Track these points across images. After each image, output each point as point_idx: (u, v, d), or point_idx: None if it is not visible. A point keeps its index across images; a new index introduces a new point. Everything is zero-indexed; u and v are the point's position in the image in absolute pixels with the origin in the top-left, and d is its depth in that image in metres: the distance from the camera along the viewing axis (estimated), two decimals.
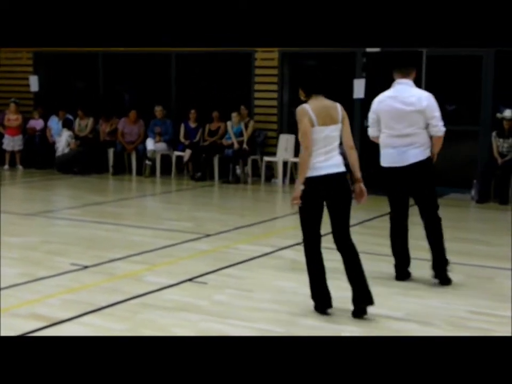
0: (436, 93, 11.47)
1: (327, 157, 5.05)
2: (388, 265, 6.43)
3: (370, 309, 5.22)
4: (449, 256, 6.13)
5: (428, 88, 11.34)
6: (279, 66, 12.57)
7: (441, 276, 6.02)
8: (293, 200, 5.05)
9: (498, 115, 10.62)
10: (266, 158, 12.42)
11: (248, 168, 12.39)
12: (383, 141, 6.05)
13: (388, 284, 6.01)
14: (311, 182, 5.05)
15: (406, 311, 5.29)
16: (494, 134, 10.65)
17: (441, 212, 9.70)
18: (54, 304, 5.38)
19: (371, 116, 6.10)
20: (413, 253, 6.30)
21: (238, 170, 12.38)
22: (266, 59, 12.66)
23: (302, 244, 5.27)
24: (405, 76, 6.00)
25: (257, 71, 12.75)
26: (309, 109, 5.04)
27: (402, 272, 6.16)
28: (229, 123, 12.56)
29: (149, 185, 12.40)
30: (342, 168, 5.12)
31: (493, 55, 10.90)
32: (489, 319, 5.12)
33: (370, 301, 5.13)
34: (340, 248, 5.24)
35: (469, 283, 6.14)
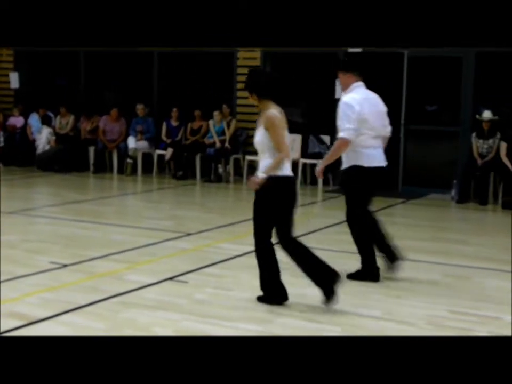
0: (417, 93, 11.63)
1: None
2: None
3: (349, 308, 5.25)
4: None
5: (408, 89, 11.49)
6: (262, 65, 12.58)
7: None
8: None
9: (478, 116, 10.71)
10: (248, 157, 12.42)
11: (230, 167, 12.40)
12: (365, 142, 5.96)
13: (367, 284, 6.04)
14: (288, 181, 5.27)
15: (385, 311, 5.31)
16: (474, 134, 10.74)
17: (421, 212, 9.77)
18: (33, 302, 5.35)
19: (354, 118, 5.82)
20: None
21: (220, 169, 12.37)
22: (249, 58, 12.67)
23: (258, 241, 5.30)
24: (359, 78, 6.07)
25: (240, 70, 12.75)
26: (279, 116, 5.16)
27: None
28: (211, 122, 12.55)
29: (130, 184, 12.36)
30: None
31: (473, 56, 10.99)
32: (468, 319, 5.16)
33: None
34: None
35: (448, 282, 6.19)
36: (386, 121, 6.19)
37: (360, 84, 6.04)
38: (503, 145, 10.41)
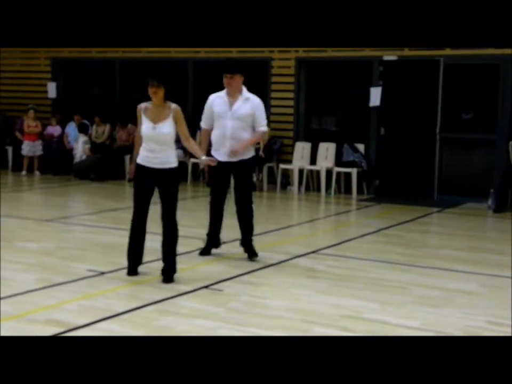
0: (453, 101, 11.51)
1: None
2: (402, 274, 6.43)
3: (387, 318, 5.22)
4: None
5: (444, 97, 11.39)
6: (296, 74, 12.59)
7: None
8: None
9: None
10: (282, 166, 12.43)
11: (264, 176, 12.41)
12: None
13: (403, 293, 6.00)
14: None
15: (421, 321, 5.27)
16: (511, 143, 10.60)
17: (458, 221, 9.64)
18: (71, 309, 5.42)
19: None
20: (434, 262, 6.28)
21: (254, 178, 12.40)
22: (283, 67, 12.69)
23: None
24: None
25: (274, 79, 12.79)
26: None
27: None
28: None
29: None
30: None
31: (510, 63, 10.86)
32: (507, 330, 5.09)
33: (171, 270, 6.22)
34: None
35: (485, 293, 6.11)
36: None
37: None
38: None
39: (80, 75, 15.09)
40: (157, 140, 6.19)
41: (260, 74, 13.03)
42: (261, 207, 11.44)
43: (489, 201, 10.65)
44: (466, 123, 11.70)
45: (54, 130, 14.36)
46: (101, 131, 13.86)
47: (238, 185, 7.17)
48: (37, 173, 13.98)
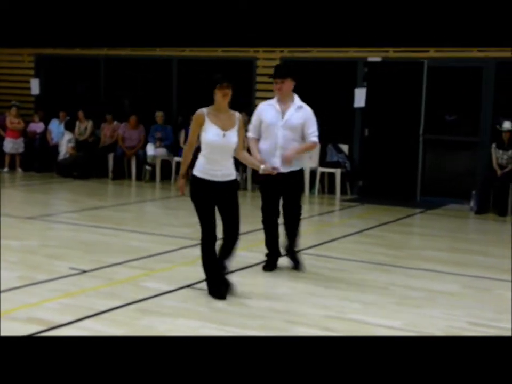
0: (436, 103, 11.59)
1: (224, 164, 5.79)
2: (385, 274, 6.46)
3: (369, 318, 5.24)
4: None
5: (428, 99, 11.45)
6: None
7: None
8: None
9: (498, 127, 10.65)
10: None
11: (248, 175, 12.41)
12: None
13: (386, 293, 6.02)
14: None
15: (403, 321, 5.29)
16: (493, 145, 10.68)
17: (440, 223, 9.74)
18: (52, 308, 5.38)
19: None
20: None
21: (238, 177, 12.37)
22: (268, 66, 12.68)
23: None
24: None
25: (259, 79, 12.79)
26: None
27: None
28: None
29: (148, 191, 12.41)
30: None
31: (493, 66, 10.94)
32: (488, 331, 5.12)
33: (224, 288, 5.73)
34: None
35: (467, 294, 6.15)
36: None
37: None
38: None
39: (63, 72, 15.00)
40: (224, 149, 5.59)
41: (244, 74, 13.04)
42: (245, 206, 11.41)
43: (471, 203, 10.72)
44: (449, 125, 11.78)
45: (37, 127, 14.27)
46: (83, 127, 13.79)
47: (288, 197, 6.71)
48: (19, 170, 13.88)
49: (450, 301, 5.87)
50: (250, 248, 7.53)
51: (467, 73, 11.40)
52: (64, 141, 13.69)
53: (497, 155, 10.62)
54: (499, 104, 11.08)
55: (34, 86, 14.76)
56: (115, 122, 13.63)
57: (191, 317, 5.25)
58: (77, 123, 13.85)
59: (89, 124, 13.78)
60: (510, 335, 5.03)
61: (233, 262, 6.94)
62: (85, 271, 6.43)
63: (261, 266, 6.83)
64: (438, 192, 11.51)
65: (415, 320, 5.33)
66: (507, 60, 10.73)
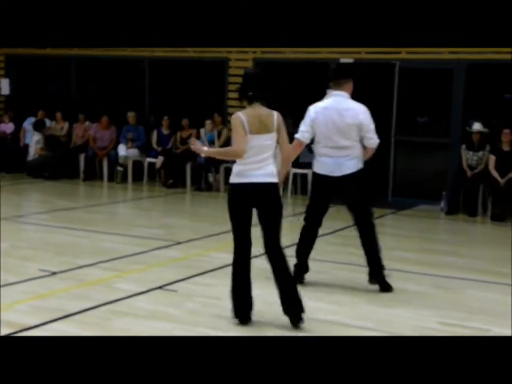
0: (408, 104, 11.68)
1: (259, 165, 5.11)
2: (357, 274, 6.49)
3: (341, 318, 5.26)
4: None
5: (399, 100, 11.54)
6: None
7: (380, 282, 6.15)
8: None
9: (468, 128, 10.76)
10: None
11: (221, 176, 12.39)
12: (319, 150, 6.22)
13: (357, 293, 6.05)
14: (241, 188, 5.18)
15: (374, 321, 5.32)
16: (463, 146, 10.79)
17: (411, 223, 9.81)
18: (23, 310, 5.33)
19: (307, 122, 6.14)
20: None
21: (210, 178, 12.38)
22: (241, 67, 12.68)
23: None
24: (338, 87, 6.13)
25: (231, 79, 12.78)
26: (243, 117, 5.07)
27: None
28: (202, 130, 12.56)
29: (120, 192, 12.33)
30: (273, 179, 5.16)
31: (464, 68, 11.05)
32: (458, 330, 5.17)
33: (300, 308, 5.11)
34: (269, 257, 5.30)
35: (438, 294, 6.20)
36: (367, 133, 6.12)
37: (338, 93, 6.13)
38: (492, 158, 10.46)
39: (34, 72, 14.84)
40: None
41: (217, 75, 13.03)
42: (217, 207, 11.41)
43: (442, 204, 10.81)
44: (421, 126, 11.88)
45: (7, 127, 14.10)
46: (59, 127, 13.67)
47: (351, 206, 6.30)
48: None
49: (421, 301, 5.91)
50: (223, 249, 7.51)
51: (438, 75, 11.51)
52: (33, 141, 13.54)
53: (467, 156, 10.73)
54: (469, 105, 11.20)
55: (4, 86, 14.59)
56: (87, 123, 13.54)
57: (163, 318, 5.23)
58: (53, 123, 13.72)
59: (65, 125, 13.66)
60: (481, 335, 5.09)
61: (205, 263, 6.95)
62: (55, 273, 6.37)
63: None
64: (409, 193, 11.60)
65: (386, 320, 5.36)
66: (477, 62, 10.85)
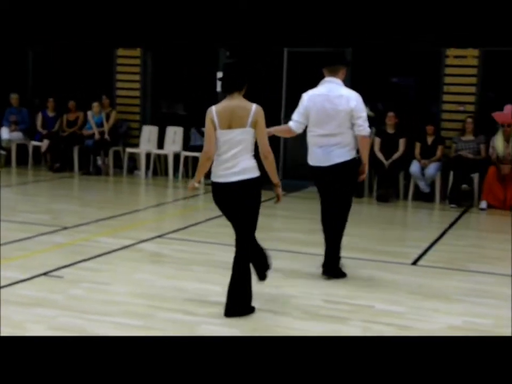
0: (298, 87, 11.80)
1: (233, 163, 4.93)
2: None
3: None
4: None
5: (288, 83, 11.68)
6: (142, 56, 12.41)
7: (334, 271, 6.13)
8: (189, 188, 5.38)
9: None
10: (128, 149, 12.22)
11: (110, 159, 12.15)
12: (310, 140, 6.09)
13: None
14: (214, 188, 5.04)
15: (261, 300, 5.36)
16: None
17: (302, 205, 9.97)
18: None
19: (300, 111, 6.03)
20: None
21: (99, 162, 12.11)
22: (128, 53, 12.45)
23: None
24: (332, 74, 6.00)
25: (120, 61, 12.52)
26: (214, 110, 4.90)
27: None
28: (89, 113, 12.23)
29: (3, 176, 11.83)
30: (246, 175, 4.95)
31: (350, 52, 11.29)
32: (342, 308, 5.30)
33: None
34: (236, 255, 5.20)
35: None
36: (357, 119, 5.89)
37: (330, 79, 5.98)
38: (377, 140, 10.78)
39: None
40: None
41: (105, 57, 12.72)
42: (107, 192, 11.19)
43: None
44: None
45: None
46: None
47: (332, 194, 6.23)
48: None
49: (308, 281, 6.02)
50: (112, 234, 7.38)
51: None
52: None
53: None
54: (356, 89, 11.42)
55: None
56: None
57: (48, 305, 5.07)
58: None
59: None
60: (362, 311, 5.23)
61: (92, 248, 6.79)
62: None
63: (121, 252, 6.70)
64: (299, 175, 11.77)
65: (272, 299, 5.42)
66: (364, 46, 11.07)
